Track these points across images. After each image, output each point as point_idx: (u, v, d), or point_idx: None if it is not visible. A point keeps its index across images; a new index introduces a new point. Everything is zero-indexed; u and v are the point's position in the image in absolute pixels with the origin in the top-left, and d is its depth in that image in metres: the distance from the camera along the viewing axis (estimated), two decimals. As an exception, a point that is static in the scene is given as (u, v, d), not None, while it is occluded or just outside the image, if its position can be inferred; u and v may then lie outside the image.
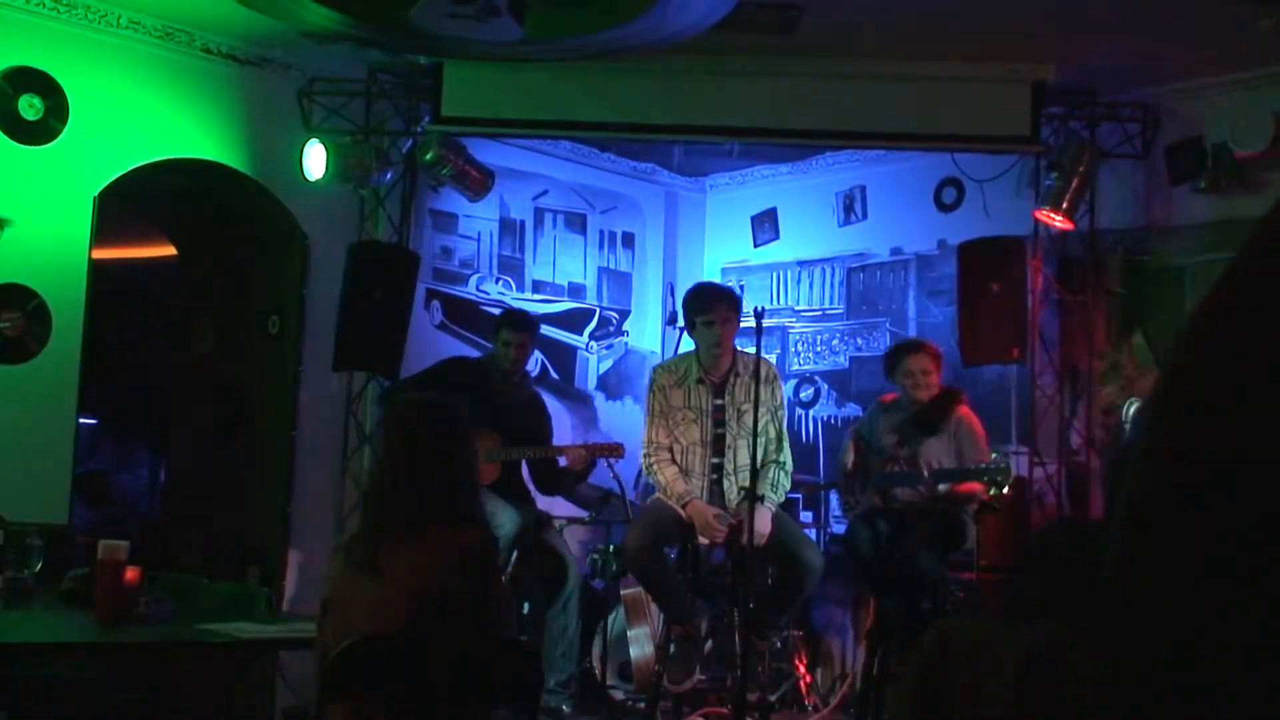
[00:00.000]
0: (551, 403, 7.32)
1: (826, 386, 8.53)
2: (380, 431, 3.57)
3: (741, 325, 5.87)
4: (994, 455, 6.22)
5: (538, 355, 8.08)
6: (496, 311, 7.84)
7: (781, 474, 5.62)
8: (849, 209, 8.52)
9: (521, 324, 6.57)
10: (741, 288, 8.86)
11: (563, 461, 6.41)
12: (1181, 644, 0.79)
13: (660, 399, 5.70)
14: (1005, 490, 6.01)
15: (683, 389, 5.67)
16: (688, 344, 6.19)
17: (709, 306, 5.57)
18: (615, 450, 6.35)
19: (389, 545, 3.11)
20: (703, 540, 5.58)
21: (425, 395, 3.73)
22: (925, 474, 6.04)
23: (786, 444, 5.72)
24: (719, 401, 5.61)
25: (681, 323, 5.93)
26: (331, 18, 6.32)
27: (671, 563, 5.74)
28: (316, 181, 6.95)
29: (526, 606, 6.66)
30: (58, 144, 6.36)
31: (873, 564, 6.25)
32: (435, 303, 7.86)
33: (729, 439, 5.58)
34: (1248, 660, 0.77)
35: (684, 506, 5.49)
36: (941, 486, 6.05)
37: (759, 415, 5.43)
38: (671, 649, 5.57)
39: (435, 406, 3.37)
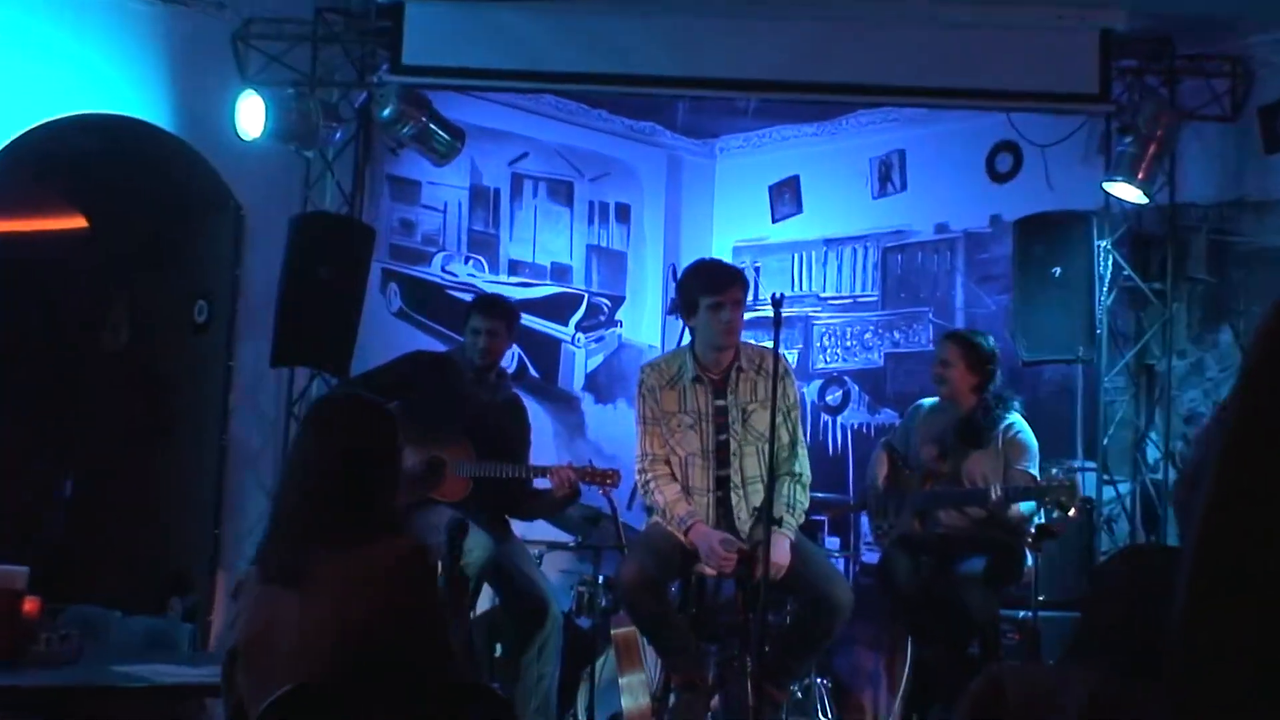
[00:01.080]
0: (530, 406, 7.30)
1: (857, 389, 8.52)
2: (302, 431, 3.62)
3: (757, 314, 5.86)
4: (1054, 470, 6.19)
5: (514, 349, 8.05)
6: (465, 297, 7.82)
7: (798, 489, 5.57)
8: (885, 178, 8.52)
9: (494, 309, 6.51)
10: (757, 270, 8.92)
11: (541, 482, 6.39)
12: (1254, 695, 0.79)
13: (650, 403, 5.65)
14: (1071, 513, 5.99)
15: (676, 390, 5.62)
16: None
17: (720, 286, 5.50)
18: (608, 478, 6.31)
19: (307, 563, 3.14)
20: (707, 570, 5.56)
21: (358, 393, 3.80)
22: (997, 492, 6.00)
23: (803, 451, 5.67)
24: (720, 402, 5.57)
25: (677, 309, 5.89)
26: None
27: (673, 599, 5.72)
28: (253, 141, 6.92)
29: (499, 649, 6.65)
30: (-54, 95, 6.36)
31: (910, 600, 6.24)
32: (393, 286, 7.85)
33: (734, 446, 5.56)
34: None
35: (686, 532, 5.46)
36: (1020, 508, 6.04)
37: (775, 417, 5.38)
38: (671, 699, 5.55)
39: (372, 406, 3.48)
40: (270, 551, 3.25)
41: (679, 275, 5.79)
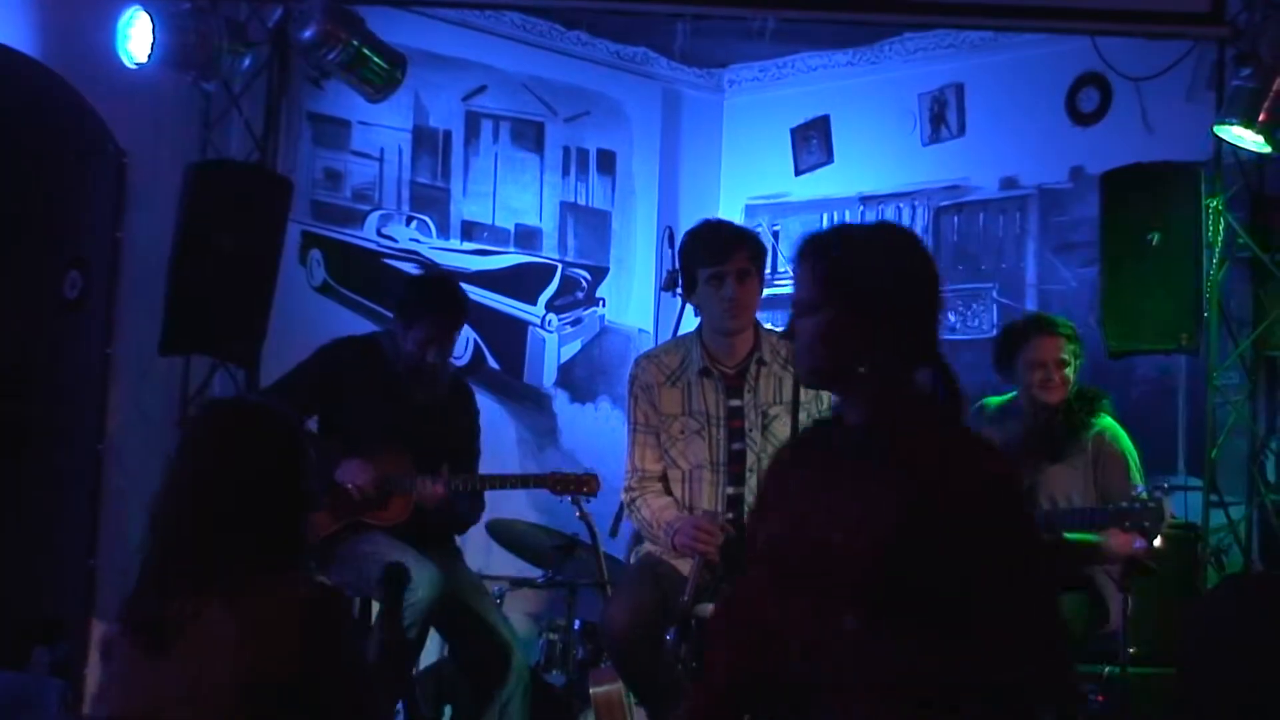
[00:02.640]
0: (489, 406, 7.30)
1: (902, 384, 8.52)
2: (178, 443, 3.61)
3: (775, 290, 5.83)
4: (1139, 487, 6.15)
5: (471, 336, 8.03)
6: (406, 267, 7.82)
7: None
8: (939, 120, 8.53)
9: (455, 309, 6.42)
10: (775, 235, 8.91)
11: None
12: None
13: (644, 406, 5.62)
14: (1156, 541, 5.98)
15: (679, 387, 5.60)
16: (693, 320, 6.15)
17: (719, 253, 5.49)
18: (585, 484, 6.34)
19: (184, 620, 3.15)
20: (692, 597, 5.54)
21: (243, 398, 3.83)
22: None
23: None
24: (735, 403, 5.57)
25: (679, 285, 5.87)
26: None
27: (668, 648, 5.73)
28: (139, 70, 6.91)
29: (449, 711, 6.66)
30: None
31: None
32: (315, 253, 7.86)
33: (750, 459, 5.56)
34: None
35: (674, 537, 5.46)
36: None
37: (797, 423, 5.36)
38: (665, 775, 5.57)
39: (259, 413, 3.51)
40: (138, 605, 3.26)
41: (680, 244, 5.76)
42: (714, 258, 5.50)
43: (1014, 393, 6.51)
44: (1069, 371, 6.32)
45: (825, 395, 5.65)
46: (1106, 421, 6.35)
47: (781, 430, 5.45)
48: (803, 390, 5.32)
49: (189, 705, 3.09)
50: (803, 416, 5.31)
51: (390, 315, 7.46)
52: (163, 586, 3.21)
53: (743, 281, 5.50)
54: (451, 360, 6.67)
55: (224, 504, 3.25)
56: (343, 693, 3.19)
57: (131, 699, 3.21)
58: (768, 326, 5.82)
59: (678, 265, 5.76)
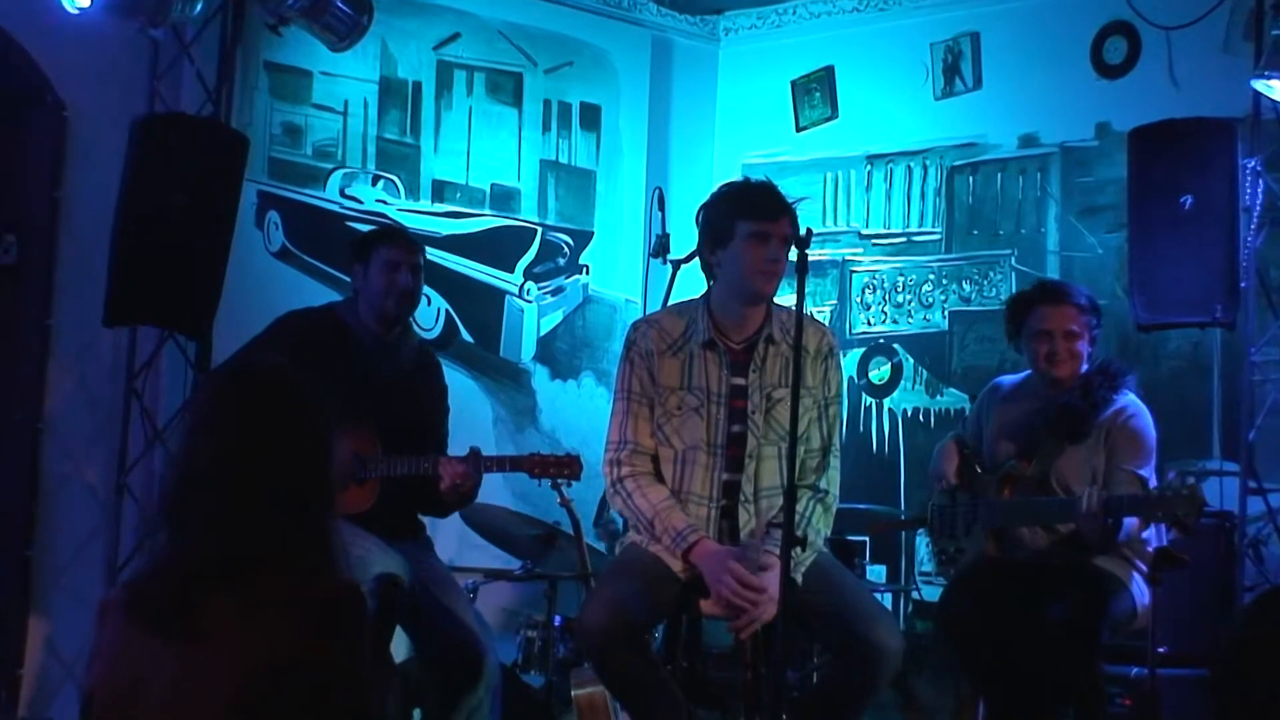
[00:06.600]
0: (462, 383, 7.23)
1: (911, 362, 8.51)
2: (193, 415, 3.52)
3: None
4: (1169, 474, 6.05)
5: (442, 306, 7.99)
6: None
7: (818, 510, 5.46)
8: (952, 71, 8.50)
9: (408, 236, 6.43)
10: (776, 197, 8.87)
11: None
12: None
13: (639, 373, 5.50)
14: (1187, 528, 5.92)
15: (680, 358, 5.49)
16: (685, 289, 6.07)
17: (770, 210, 5.36)
18: (566, 467, 6.28)
19: (203, 597, 3.10)
20: (712, 609, 5.49)
21: (273, 362, 3.74)
22: (1090, 501, 5.91)
23: (835, 460, 5.58)
24: (739, 381, 5.47)
25: (696, 245, 5.70)
26: None
27: (656, 649, 5.66)
28: (81, 15, 6.81)
29: (418, 714, 6.61)
30: None
31: (983, 649, 6.19)
32: (273, 215, 7.81)
33: (750, 443, 5.49)
34: None
35: (687, 552, 5.40)
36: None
37: (799, 408, 5.28)
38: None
39: (295, 381, 3.45)
40: (149, 591, 3.19)
41: (708, 196, 5.62)
42: (765, 213, 5.34)
43: (1030, 371, 6.43)
44: (1081, 344, 6.22)
45: (833, 381, 5.59)
46: (1128, 399, 6.23)
47: (785, 415, 5.34)
48: (808, 374, 5.26)
49: (176, 691, 3.08)
50: (807, 402, 5.27)
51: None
52: (182, 578, 3.14)
53: (784, 250, 5.39)
54: (417, 331, 6.62)
55: (248, 486, 3.19)
56: (351, 698, 3.16)
57: (114, 673, 3.16)
58: (779, 302, 5.70)
59: (702, 217, 5.56)
